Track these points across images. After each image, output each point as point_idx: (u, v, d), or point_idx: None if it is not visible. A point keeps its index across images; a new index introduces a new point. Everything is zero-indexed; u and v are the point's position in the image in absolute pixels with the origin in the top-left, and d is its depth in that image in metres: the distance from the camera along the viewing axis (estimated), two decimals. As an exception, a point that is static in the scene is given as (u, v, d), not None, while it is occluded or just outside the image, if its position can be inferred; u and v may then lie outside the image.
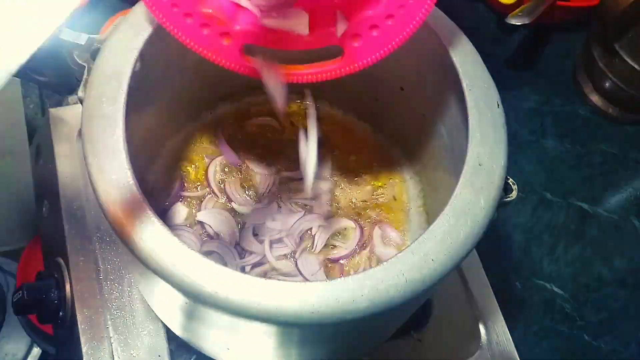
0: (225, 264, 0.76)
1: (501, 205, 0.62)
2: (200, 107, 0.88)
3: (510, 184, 0.64)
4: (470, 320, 0.89)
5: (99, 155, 0.55)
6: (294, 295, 0.50)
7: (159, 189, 0.82)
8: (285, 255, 0.80)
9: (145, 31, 0.63)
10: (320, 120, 0.92)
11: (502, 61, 1.32)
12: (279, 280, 0.51)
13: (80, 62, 0.62)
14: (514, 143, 1.30)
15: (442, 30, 0.67)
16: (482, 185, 0.58)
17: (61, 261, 0.82)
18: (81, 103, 0.60)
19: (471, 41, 0.68)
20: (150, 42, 0.63)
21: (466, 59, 0.65)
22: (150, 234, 0.52)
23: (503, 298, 0.93)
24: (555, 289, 1.09)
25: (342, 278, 0.52)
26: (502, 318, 0.90)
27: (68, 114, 0.90)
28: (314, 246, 0.81)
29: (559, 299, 1.08)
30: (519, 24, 1.11)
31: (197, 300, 0.51)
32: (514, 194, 0.64)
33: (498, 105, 0.62)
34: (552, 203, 1.16)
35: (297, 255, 0.80)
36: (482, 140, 0.60)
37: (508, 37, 1.35)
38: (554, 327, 1.06)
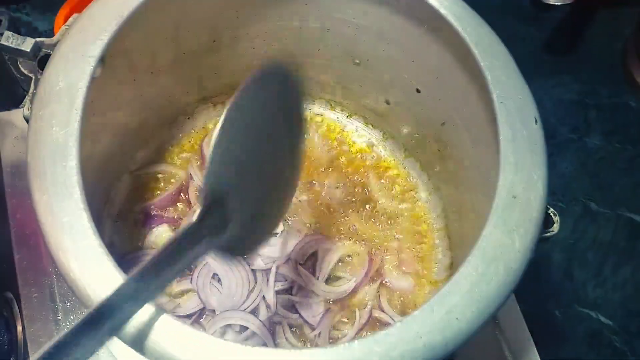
0: (203, 307, 0.74)
1: (540, 241, 0.59)
2: (176, 112, 0.85)
3: (551, 215, 0.61)
4: (495, 350, 0.87)
5: (48, 192, 0.52)
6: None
7: (131, 206, 0.80)
8: (284, 289, 0.77)
9: (106, 33, 0.60)
10: (314, 125, 0.90)
11: (538, 44, 1.28)
12: (265, 344, 0.48)
13: (25, 72, 0.58)
14: (552, 142, 1.28)
15: (465, 27, 0.64)
16: (517, 222, 0.55)
17: (11, 296, 0.80)
18: (27, 122, 0.57)
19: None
20: (112, 44, 0.60)
21: (496, 63, 0.62)
22: (109, 288, 0.49)
23: (539, 330, 0.90)
24: (602, 319, 1.07)
25: (347, 344, 0.49)
26: (538, 355, 0.88)
27: (19, 117, 0.88)
28: (317, 275, 0.78)
29: (607, 330, 1.06)
30: (558, 2, 1.08)
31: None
32: (555, 227, 0.62)
33: (536, 121, 0.59)
34: (598, 215, 1.13)
35: (294, 292, 0.77)
36: (517, 166, 0.57)
37: (545, 16, 1.31)
38: (601, 364, 1.03)
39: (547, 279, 1.09)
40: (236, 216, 0.47)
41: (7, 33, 0.56)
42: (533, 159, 0.58)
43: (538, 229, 0.56)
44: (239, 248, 0.52)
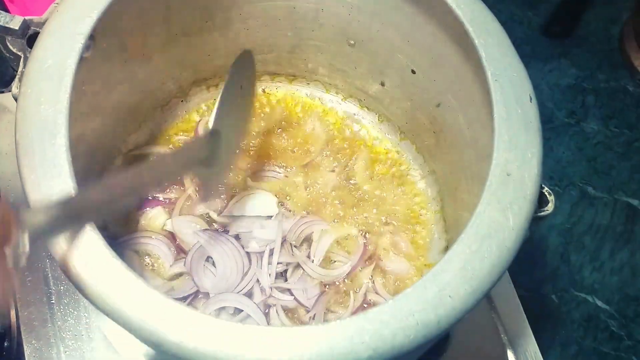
0: (197, 290, 0.73)
1: (535, 220, 0.58)
2: (170, 94, 0.84)
3: (546, 193, 0.61)
4: (496, 343, 0.87)
5: (36, 170, 0.51)
6: (280, 345, 0.47)
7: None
8: (278, 272, 0.77)
9: (95, 10, 0.59)
10: (309, 108, 0.89)
11: (536, 28, 1.28)
12: (258, 325, 0.47)
13: (14, 50, 0.58)
14: (549, 127, 1.27)
15: (459, 4, 0.63)
16: (511, 200, 0.54)
17: (5, 280, 0.79)
18: (16, 101, 0.56)
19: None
20: (102, 23, 0.60)
21: (490, 41, 0.61)
22: (101, 270, 0.49)
23: (535, 314, 0.90)
24: (599, 303, 1.07)
25: (339, 321, 0.49)
26: (534, 339, 0.88)
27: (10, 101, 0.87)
28: (312, 257, 0.78)
29: (603, 314, 1.06)
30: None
31: (159, 349, 0.48)
32: (550, 206, 0.61)
33: (531, 99, 0.59)
34: (595, 199, 1.13)
35: (289, 274, 0.77)
36: (511, 144, 0.56)
37: (542, -1, 1.31)
38: (597, 348, 1.03)
39: (544, 263, 1.09)
40: (222, 142, 0.67)
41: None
42: (527, 137, 0.57)
43: (533, 206, 0.56)
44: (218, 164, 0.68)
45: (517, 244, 0.54)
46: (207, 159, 0.65)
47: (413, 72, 0.77)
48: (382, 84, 0.83)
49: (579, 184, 1.15)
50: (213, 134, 0.66)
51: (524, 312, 0.89)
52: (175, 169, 0.64)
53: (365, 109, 0.89)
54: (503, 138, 0.56)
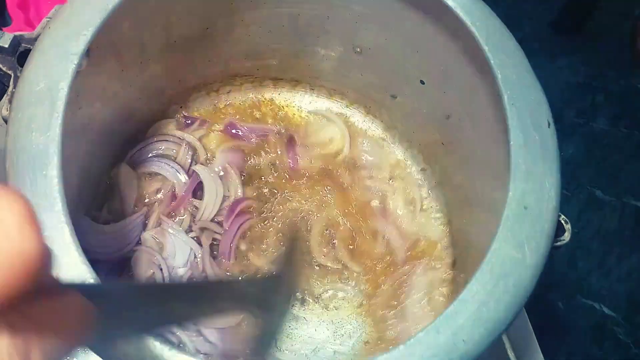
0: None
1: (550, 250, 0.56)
2: (170, 100, 0.81)
3: (562, 222, 0.58)
4: (499, 351, 0.85)
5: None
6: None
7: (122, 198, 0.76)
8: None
9: (90, 26, 0.56)
10: (314, 113, 0.86)
11: (545, 24, 1.24)
12: None
13: (4, 69, 0.54)
14: (557, 127, 1.24)
15: (475, 20, 0.60)
16: (527, 235, 0.52)
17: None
18: (6, 123, 0.53)
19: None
20: (97, 38, 0.56)
21: (507, 61, 0.58)
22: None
23: (540, 322, 0.88)
24: (606, 310, 1.05)
25: (346, 368, 0.46)
26: (539, 348, 0.86)
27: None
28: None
29: (610, 322, 1.04)
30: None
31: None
32: (566, 236, 0.58)
33: (549, 124, 0.56)
34: (603, 203, 1.11)
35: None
36: (528, 174, 0.53)
37: (553, -6, 1.27)
38: (604, 357, 1.02)
39: (550, 269, 1.07)
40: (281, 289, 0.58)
41: (-15, 27, 0.52)
42: (545, 166, 0.54)
43: (550, 240, 0.53)
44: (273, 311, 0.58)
45: (533, 281, 0.52)
46: (265, 302, 0.54)
47: (422, 82, 0.74)
48: (388, 92, 0.80)
49: (587, 187, 1.13)
50: (275, 277, 0.60)
51: (527, 319, 0.87)
52: (227, 302, 0.48)
53: (371, 116, 0.86)
54: (520, 168, 0.54)
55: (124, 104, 0.73)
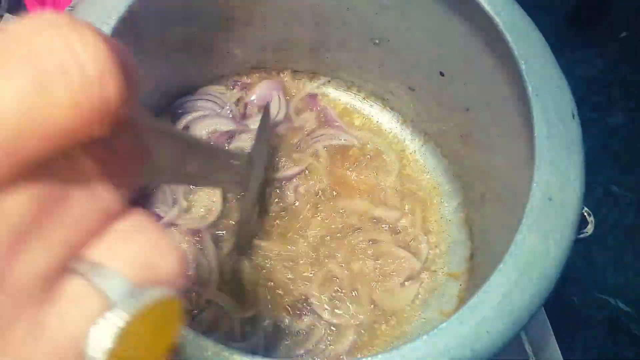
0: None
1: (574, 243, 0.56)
2: (187, 93, 0.81)
3: (585, 214, 0.58)
4: (516, 345, 0.85)
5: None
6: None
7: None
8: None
9: (112, 17, 0.56)
10: (331, 104, 0.86)
11: (562, 17, 1.23)
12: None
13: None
14: (573, 121, 1.24)
15: (498, 10, 0.59)
16: (552, 226, 0.52)
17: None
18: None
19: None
20: (120, 28, 0.56)
21: (531, 51, 0.57)
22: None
23: (556, 317, 0.88)
24: (621, 305, 1.04)
25: (369, 358, 0.46)
26: (555, 342, 0.86)
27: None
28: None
29: (626, 317, 1.03)
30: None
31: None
32: (589, 228, 0.58)
33: (573, 115, 0.55)
34: (619, 198, 1.10)
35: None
36: (553, 166, 0.53)
37: (569, -13, 1.26)
38: (619, 352, 1.01)
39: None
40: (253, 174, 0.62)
41: (7, 16, 0.52)
42: (570, 158, 0.54)
43: (574, 232, 0.53)
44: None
45: (557, 272, 0.51)
46: (242, 183, 0.58)
47: (442, 74, 0.74)
48: (407, 84, 0.80)
49: (602, 182, 1.12)
50: (249, 159, 0.60)
51: (545, 313, 0.87)
52: (218, 167, 0.50)
53: (389, 109, 0.85)
54: (545, 159, 0.53)
55: (144, 94, 0.73)
